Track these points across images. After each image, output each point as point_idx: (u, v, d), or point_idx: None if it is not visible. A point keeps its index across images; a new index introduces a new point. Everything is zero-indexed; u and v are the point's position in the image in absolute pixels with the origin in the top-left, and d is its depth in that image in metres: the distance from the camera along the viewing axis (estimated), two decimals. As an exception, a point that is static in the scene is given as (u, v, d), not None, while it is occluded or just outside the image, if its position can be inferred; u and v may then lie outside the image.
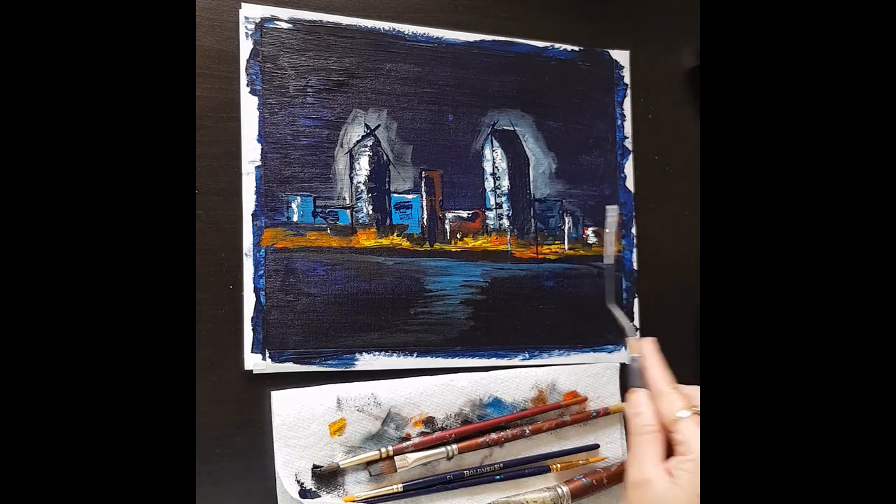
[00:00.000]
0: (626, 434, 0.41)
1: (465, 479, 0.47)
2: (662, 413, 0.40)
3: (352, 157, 0.48)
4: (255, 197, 0.46)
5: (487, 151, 0.51)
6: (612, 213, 0.51)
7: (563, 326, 0.52)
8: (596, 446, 0.51)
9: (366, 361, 0.47)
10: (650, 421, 0.41)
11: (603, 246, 0.52)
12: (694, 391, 0.43)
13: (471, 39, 0.51)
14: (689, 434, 0.39)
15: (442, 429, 0.47)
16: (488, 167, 0.51)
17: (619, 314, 0.48)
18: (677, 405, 0.40)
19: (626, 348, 0.45)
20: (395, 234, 0.49)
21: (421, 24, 0.50)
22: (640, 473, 0.39)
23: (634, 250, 0.55)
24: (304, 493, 0.44)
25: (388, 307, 0.48)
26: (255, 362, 0.45)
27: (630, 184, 0.55)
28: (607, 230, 0.51)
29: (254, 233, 0.46)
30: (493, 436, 0.48)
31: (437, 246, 0.50)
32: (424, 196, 0.50)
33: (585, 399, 0.51)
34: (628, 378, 0.44)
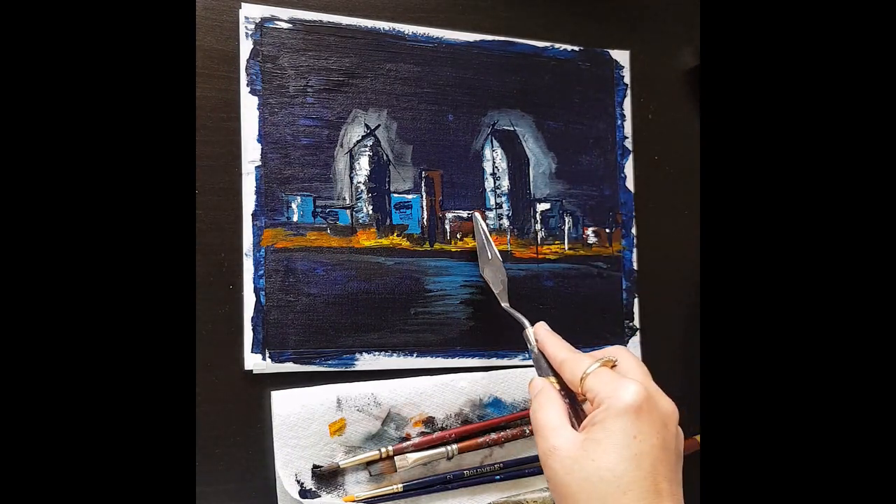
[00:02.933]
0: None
1: (465, 479, 0.47)
2: (570, 380, 0.37)
3: (352, 157, 0.48)
4: (255, 197, 0.46)
5: (487, 151, 0.51)
6: (478, 219, 0.49)
7: (564, 326, 0.52)
8: (596, 446, 0.51)
9: (366, 361, 0.47)
10: (550, 393, 0.38)
11: (483, 251, 0.48)
12: (604, 352, 0.39)
13: (471, 39, 0.51)
14: (597, 385, 0.35)
15: (442, 429, 0.47)
16: (488, 167, 0.51)
17: (513, 311, 0.45)
18: (583, 364, 0.36)
19: (528, 343, 0.42)
20: (395, 234, 0.49)
21: (421, 24, 0.50)
22: (545, 443, 0.35)
23: (634, 250, 0.55)
24: (304, 493, 0.44)
25: (388, 307, 0.48)
26: (255, 362, 0.45)
27: (630, 184, 0.55)
28: (482, 234, 0.49)
29: (254, 233, 0.46)
30: (493, 436, 0.48)
31: (437, 246, 0.50)
32: (424, 196, 0.50)
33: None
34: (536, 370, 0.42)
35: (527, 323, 0.43)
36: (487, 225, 0.51)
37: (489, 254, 0.48)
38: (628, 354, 0.38)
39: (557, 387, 0.39)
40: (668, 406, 0.35)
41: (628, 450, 0.32)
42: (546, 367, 0.40)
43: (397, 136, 0.49)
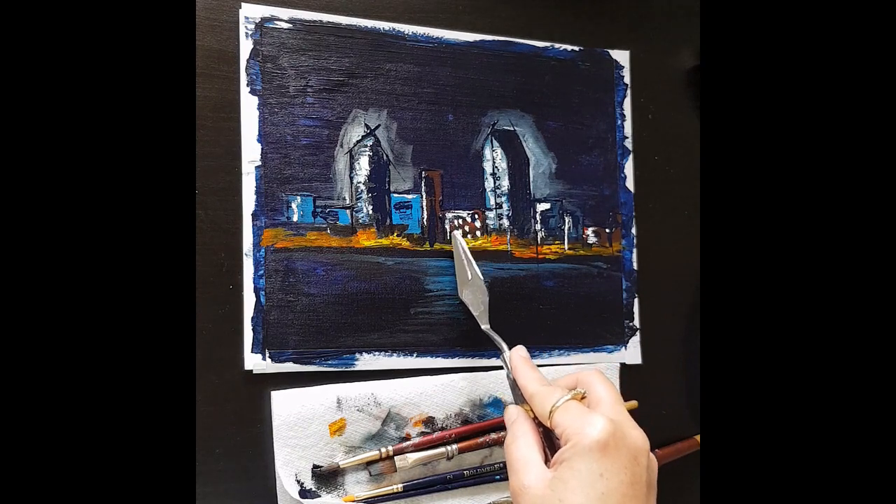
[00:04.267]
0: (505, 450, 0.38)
1: (465, 479, 0.47)
2: (540, 415, 0.36)
3: (352, 157, 0.48)
4: (255, 197, 0.46)
5: (487, 151, 0.51)
6: (457, 238, 0.49)
7: (563, 326, 0.52)
8: (596, 446, 0.51)
9: (366, 361, 0.47)
10: (524, 425, 0.37)
11: (463, 271, 0.47)
12: (580, 378, 0.38)
13: (471, 39, 0.51)
14: (565, 421, 0.34)
15: (442, 429, 0.47)
16: (488, 167, 0.51)
17: (492, 334, 0.45)
18: (552, 398, 0.36)
19: (505, 367, 0.42)
20: (395, 234, 0.49)
21: (421, 24, 0.50)
22: (516, 479, 0.35)
23: (634, 250, 0.55)
24: (304, 493, 0.44)
25: (388, 307, 0.48)
26: (255, 362, 0.45)
27: (630, 184, 0.55)
28: (463, 254, 0.48)
29: (254, 233, 0.46)
30: (493, 436, 0.48)
31: (437, 246, 0.50)
32: (424, 196, 0.50)
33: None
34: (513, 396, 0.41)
35: (505, 347, 0.43)
36: (487, 225, 0.51)
37: (469, 274, 0.47)
38: (600, 380, 0.38)
39: (532, 415, 0.38)
40: (637, 438, 0.34)
41: (594, 489, 0.32)
42: (521, 394, 0.40)
43: (397, 136, 0.49)
